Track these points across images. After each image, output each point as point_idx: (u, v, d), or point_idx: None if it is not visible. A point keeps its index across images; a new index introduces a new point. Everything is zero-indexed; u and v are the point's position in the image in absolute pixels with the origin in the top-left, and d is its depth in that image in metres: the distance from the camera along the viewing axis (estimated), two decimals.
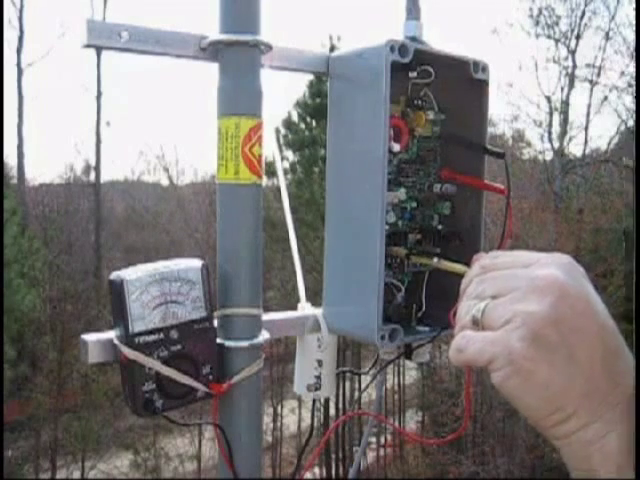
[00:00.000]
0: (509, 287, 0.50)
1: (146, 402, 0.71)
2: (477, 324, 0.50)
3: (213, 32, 0.77)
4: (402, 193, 0.85)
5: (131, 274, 0.71)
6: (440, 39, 0.91)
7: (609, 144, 12.62)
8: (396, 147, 0.82)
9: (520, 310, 0.47)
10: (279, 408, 12.77)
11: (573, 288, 0.48)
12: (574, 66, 12.05)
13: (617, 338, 0.48)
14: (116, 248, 17.49)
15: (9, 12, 16.52)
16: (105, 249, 16.79)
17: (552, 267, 0.49)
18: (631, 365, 0.48)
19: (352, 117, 0.80)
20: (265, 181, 0.84)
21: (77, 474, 11.32)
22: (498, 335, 0.48)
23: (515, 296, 0.49)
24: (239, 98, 0.78)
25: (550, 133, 12.07)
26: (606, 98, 12.06)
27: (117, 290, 0.70)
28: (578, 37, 12.07)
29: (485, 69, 0.85)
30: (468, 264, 0.88)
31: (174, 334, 0.73)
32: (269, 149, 0.88)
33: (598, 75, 12.02)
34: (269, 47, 0.78)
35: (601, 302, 0.49)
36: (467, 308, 0.52)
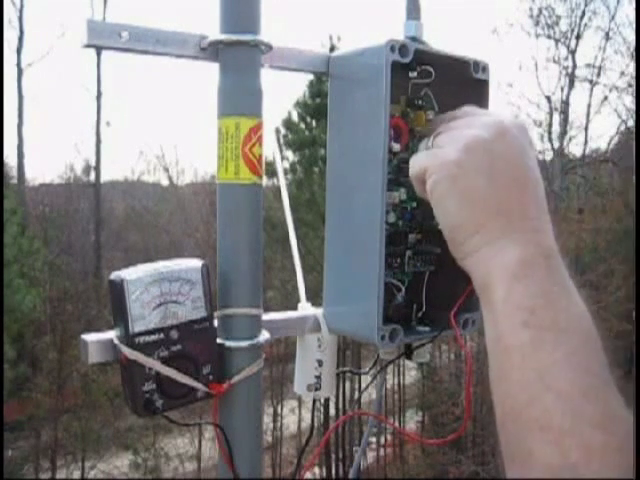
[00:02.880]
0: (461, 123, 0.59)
1: (146, 402, 0.71)
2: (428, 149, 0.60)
3: (213, 32, 0.77)
4: (402, 193, 0.85)
5: (131, 274, 0.71)
6: (440, 39, 0.91)
7: (609, 144, 12.64)
8: (396, 147, 0.82)
9: (463, 133, 0.56)
10: (279, 408, 12.77)
11: (515, 133, 0.55)
12: (574, 66, 12.06)
13: (540, 185, 0.55)
14: (116, 248, 17.49)
15: (9, 12, 16.54)
16: (105, 249, 16.79)
17: (504, 116, 0.57)
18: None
19: (352, 117, 0.80)
20: (265, 181, 0.84)
21: (77, 474, 11.32)
22: (439, 150, 0.58)
23: (462, 126, 0.58)
24: (239, 98, 0.78)
25: (550, 133, 12.08)
26: (606, 98, 12.07)
27: (117, 290, 0.70)
28: (578, 37, 12.08)
29: (485, 69, 0.85)
30: None
31: (174, 334, 0.73)
32: (269, 149, 0.88)
33: (598, 75, 12.03)
34: (269, 47, 0.78)
35: (535, 158, 0.56)
36: (423, 143, 0.62)
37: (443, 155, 0.56)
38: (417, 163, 0.60)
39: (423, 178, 0.58)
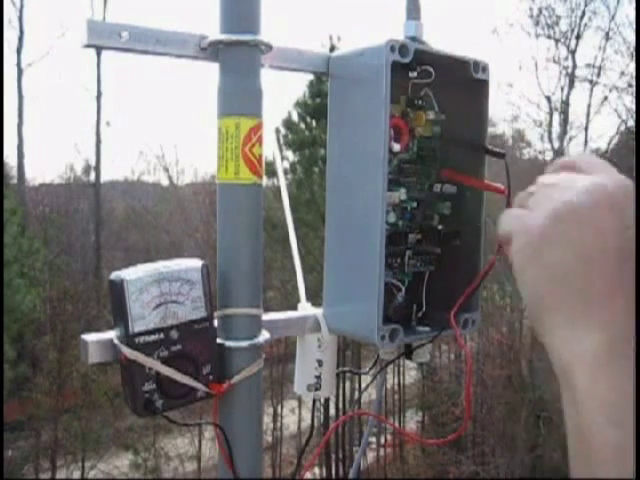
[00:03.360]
0: (558, 185, 0.51)
1: (146, 402, 0.71)
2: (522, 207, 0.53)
3: (213, 32, 0.77)
4: (402, 193, 0.85)
5: (131, 274, 0.71)
6: (440, 39, 0.91)
7: (609, 144, 12.62)
8: (396, 147, 0.82)
9: (555, 197, 0.49)
10: (279, 408, 12.77)
11: (617, 199, 0.48)
12: (574, 66, 12.05)
13: (632, 259, 0.47)
14: (116, 248, 17.49)
15: (9, 12, 16.53)
16: (105, 249, 16.79)
17: (610, 178, 0.49)
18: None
19: (352, 117, 0.80)
20: (265, 181, 0.84)
21: (77, 474, 11.31)
22: (527, 212, 0.51)
23: (558, 186, 0.51)
24: (239, 98, 0.78)
25: (550, 133, 12.08)
26: (606, 98, 12.06)
27: (117, 290, 0.70)
28: (578, 37, 12.08)
29: (485, 69, 0.85)
30: (468, 263, 0.89)
31: (174, 334, 0.73)
32: (269, 149, 0.88)
33: (598, 75, 12.02)
34: (269, 47, 0.78)
35: (633, 225, 0.48)
36: (518, 199, 0.55)
37: (529, 220, 0.50)
38: (503, 224, 0.53)
39: (509, 240, 0.53)
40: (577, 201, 0.48)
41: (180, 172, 20.26)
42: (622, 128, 12.20)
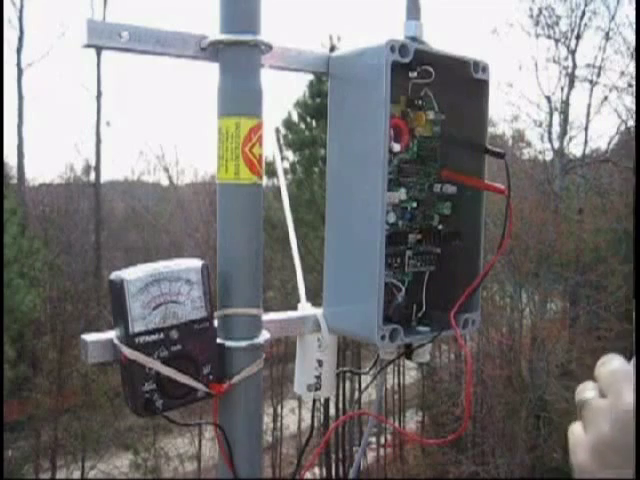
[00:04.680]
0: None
1: (146, 402, 0.71)
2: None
3: (213, 32, 0.77)
4: (402, 193, 0.85)
5: (131, 274, 0.71)
6: (440, 39, 0.91)
7: (609, 144, 12.61)
8: (396, 147, 0.82)
9: (597, 428, 0.51)
10: (279, 408, 12.76)
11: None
12: (574, 66, 12.04)
13: None
14: (116, 248, 17.48)
15: (9, 12, 16.52)
16: (105, 249, 16.78)
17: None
18: None
19: (352, 117, 0.80)
20: (265, 181, 0.84)
21: (77, 474, 11.31)
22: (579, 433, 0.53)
23: (602, 411, 0.52)
24: (239, 98, 0.78)
25: (550, 133, 12.06)
26: (606, 98, 12.05)
27: (117, 290, 0.70)
28: (578, 37, 12.06)
29: (485, 69, 0.85)
30: (468, 263, 0.89)
31: (174, 334, 0.73)
32: (269, 149, 0.88)
33: (598, 75, 12.02)
34: (269, 47, 0.78)
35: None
36: (581, 391, 0.56)
37: (577, 441, 0.53)
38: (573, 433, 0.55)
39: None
40: (610, 432, 0.50)
41: (180, 172, 20.24)
42: (622, 128, 12.20)
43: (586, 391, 0.54)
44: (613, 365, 0.53)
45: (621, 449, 0.49)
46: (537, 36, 12.15)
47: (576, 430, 0.54)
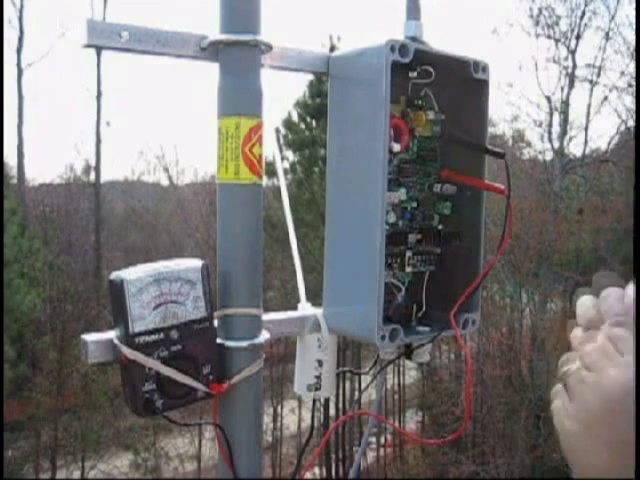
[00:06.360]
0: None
1: (146, 402, 0.71)
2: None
3: (213, 32, 0.77)
4: (402, 193, 0.85)
5: (131, 274, 0.71)
6: (440, 39, 0.91)
7: (609, 144, 12.61)
8: (396, 147, 0.82)
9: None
10: (279, 408, 12.77)
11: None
12: (574, 66, 12.03)
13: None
14: (116, 248, 17.48)
15: (9, 12, 16.52)
16: (105, 249, 16.78)
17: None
18: None
19: (352, 117, 0.80)
20: (265, 181, 0.84)
21: (77, 474, 11.31)
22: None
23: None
24: (239, 98, 0.78)
25: (550, 133, 12.06)
26: (606, 98, 12.05)
27: (117, 290, 0.70)
28: (578, 37, 12.05)
29: (485, 69, 0.85)
30: (468, 263, 0.89)
31: (174, 334, 0.73)
32: (269, 149, 0.88)
33: (598, 75, 12.01)
34: (269, 47, 0.78)
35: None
36: (565, 362, 0.60)
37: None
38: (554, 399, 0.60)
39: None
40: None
41: (180, 172, 20.26)
42: (622, 128, 12.19)
43: (570, 362, 0.58)
44: (597, 341, 0.56)
45: (606, 420, 0.53)
46: (537, 36, 12.14)
47: (561, 396, 0.58)
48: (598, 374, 0.54)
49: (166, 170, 19.07)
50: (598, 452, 0.53)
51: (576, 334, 0.60)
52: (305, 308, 0.90)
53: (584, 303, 0.60)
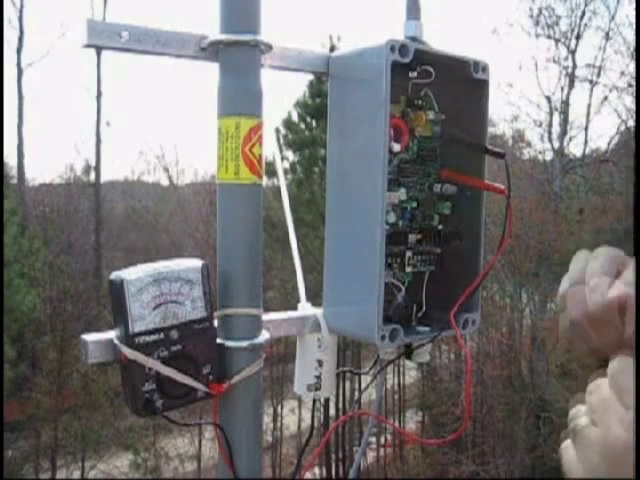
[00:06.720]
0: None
1: (146, 402, 0.71)
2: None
3: (213, 32, 0.77)
4: (402, 193, 0.85)
5: (131, 274, 0.71)
6: (440, 39, 0.91)
7: (609, 144, 12.60)
8: (396, 147, 0.82)
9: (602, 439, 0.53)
10: (279, 408, 12.77)
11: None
12: (574, 66, 12.03)
13: None
14: (116, 248, 17.48)
15: (9, 12, 16.52)
16: (105, 249, 16.79)
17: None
18: None
19: (352, 117, 0.80)
20: (265, 181, 0.84)
21: (77, 474, 11.31)
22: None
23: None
24: (239, 98, 0.78)
25: (550, 133, 12.06)
26: (606, 98, 12.05)
27: (117, 290, 0.70)
28: (578, 37, 12.05)
29: (485, 69, 0.85)
30: (468, 263, 0.89)
31: (174, 334, 0.73)
32: (269, 149, 0.88)
33: (598, 75, 12.01)
34: (269, 47, 0.78)
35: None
36: (576, 412, 0.57)
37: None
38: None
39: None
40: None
41: (180, 172, 20.27)
42: (622, 128, 12.19)
43: (579, 417, 0.56)
44: (603, 393, 0.54)
45: (611, 474, 0.51)
46: (537, 36, 12.14)
47: (570, 452, 0.56)
48: (603, 430, 0.53)
49: (166, 170, 19.08)
50: None
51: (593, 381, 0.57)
52: (305, 308, 0.90)
53: (579, 257, 0.59)
